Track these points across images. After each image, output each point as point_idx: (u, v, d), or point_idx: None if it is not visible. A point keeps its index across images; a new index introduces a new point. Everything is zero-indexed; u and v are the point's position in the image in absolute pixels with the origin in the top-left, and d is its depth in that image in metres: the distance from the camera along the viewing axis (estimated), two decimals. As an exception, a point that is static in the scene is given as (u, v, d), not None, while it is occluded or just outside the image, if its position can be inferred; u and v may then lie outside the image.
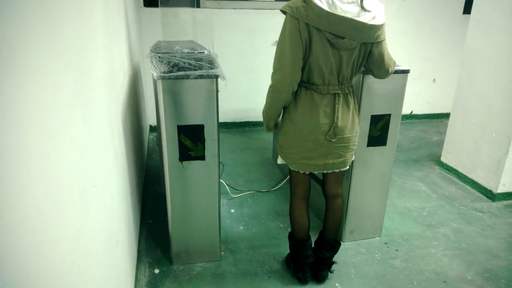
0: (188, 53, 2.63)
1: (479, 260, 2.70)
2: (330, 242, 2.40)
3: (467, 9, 4.96)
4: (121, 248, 1.89)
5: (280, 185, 3.54)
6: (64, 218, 0.99)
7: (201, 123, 2.25)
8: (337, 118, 2.03)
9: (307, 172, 2.23)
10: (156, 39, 3.48)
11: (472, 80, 3.67)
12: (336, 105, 2.02)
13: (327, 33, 1.84)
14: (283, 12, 1.89)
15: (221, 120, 3.62)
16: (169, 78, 2.12)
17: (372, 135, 2.57)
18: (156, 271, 2.50)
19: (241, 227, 2.99)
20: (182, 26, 4.53)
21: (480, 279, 2.52)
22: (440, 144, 4.29)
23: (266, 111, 2.16)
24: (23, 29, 0.79)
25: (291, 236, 2.44)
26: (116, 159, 1.91)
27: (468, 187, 3.73)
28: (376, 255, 2.72)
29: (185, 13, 4.51)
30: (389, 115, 2.56)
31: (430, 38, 5.23)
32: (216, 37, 4.60)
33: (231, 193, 3.43)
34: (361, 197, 2.74)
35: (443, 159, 4.10)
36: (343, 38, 1.85)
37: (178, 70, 2.18)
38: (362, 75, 2.41)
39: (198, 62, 2.37)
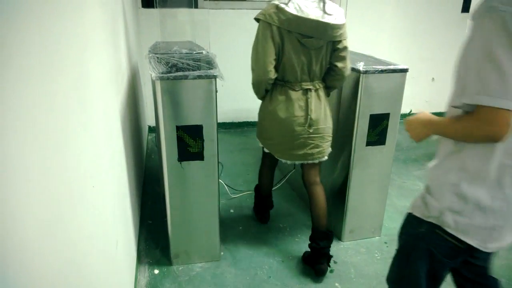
0: (186, 53, 2.63)
1: (479, 259, 2.70)
2: (322, 231, 2.48)
3: (465, 8, 4.97)
4: (121, 248, 1.89)
5: (279, 185, 3.54)
6: (63, 218, 0.99)
7: (200, 124, 2.25)
8: (311, 110, 2.28)
9: (289, 162, 2.48)
10: (155, 40, 3.47)
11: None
12: (309, 99, 2.28)
13: (297, 34, 2.13)
14: (257, 20, 2.20)
15: (219, 120, 3.59)
16: (168, 78, 2.12)
17: (371, 134, 2.57)
18: (156, 271, 2.50)
19: (241, 227, 2.99)
20: (180, 27, 4.53)
21: (480, 278, 2.52)
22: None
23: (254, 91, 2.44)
24: (21, 30, 0.79)
25: (257, 189, 3.04)
26: (115, 159, 1.91)
27: (468, 186, 3.72)
28: (376, 255, 2.72)
29: (183, 13, 4.51)
30: (388, 114, 2.56)
31: (429, 37, 5.23)
32: (214, 38, 4.60)
33: (230, 193, 3.42)
34: (360, 197, 2.74)
35: (442, 158, 4.09)
36: (311, 37, 2.15)
37: (177, 71, 2.18)
38: (360, 75, 2.41)
39: (197, 63, 2.37)
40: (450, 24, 5.19)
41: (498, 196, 1.30)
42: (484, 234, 1.34)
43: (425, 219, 1.45)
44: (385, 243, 2.84)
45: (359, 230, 2.85)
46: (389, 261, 2.62)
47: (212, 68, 2.25)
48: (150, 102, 4.28)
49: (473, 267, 1.57)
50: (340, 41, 2.23)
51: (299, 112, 2.28)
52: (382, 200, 2.82)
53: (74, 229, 1.08)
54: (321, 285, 2.43)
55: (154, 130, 4.59)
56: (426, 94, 5.53)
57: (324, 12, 2.12)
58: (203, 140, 2.28)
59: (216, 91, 2.23)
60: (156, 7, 4.45)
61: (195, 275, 2.48)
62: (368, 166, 2.66)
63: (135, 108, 3.24)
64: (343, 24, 2.20)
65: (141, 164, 3.56)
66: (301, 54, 2.19)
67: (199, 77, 2.16)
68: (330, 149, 2.48)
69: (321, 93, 2.34)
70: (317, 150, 2.38)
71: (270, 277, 2.49)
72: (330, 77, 2.36)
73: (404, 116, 6.16)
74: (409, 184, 3.73)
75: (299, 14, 2.08)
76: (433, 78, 5.46)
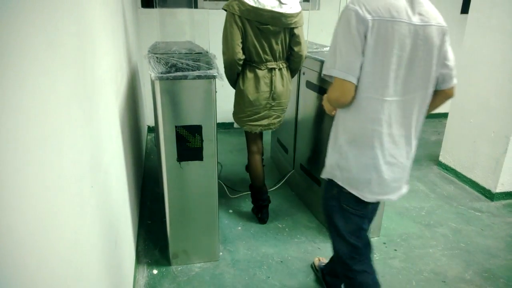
0: (185, 53, 2.64)
1: (478, 260, 2.70)
2: (260, 187, 3.01)
3: (465, 9, 4.97)
4: (119, 248, 1.89)
5: (278, 185, 3.54)
6: (61, 218, 0.99)
7: (199, 124, 2.25)
8: (275, 86, 2.66)
9: (257, 132, 2.84)
10: (154, 40, 3.48)
11: (470, 80, 3.68)
12: (273, 77, 2.65)
13: (255, 22, 2.47)
14: (225, 9, 2.52)
15: (219, 120, 3.59)
16: (167, 78, 2.12)
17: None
18: (155, 271, 2.50)
19: (239, 227, 2.99)
20: (180, 27, 4.53)
21: (479, 279, 2.52)
22: (438, 144, 4.29)
23: (226, 78, 2.70)
24: (20, 29, 0.79)
25: (251, 186, 3.09)
26: (114, 159, 1.91)
27: (467, 187, 3.73)
28: (375, 255, 2.72)
29: (183, 13, 4.51)
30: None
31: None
32: (214, 38, 4.59)
33: (229, 193, 3.42)
34: (359, 197, 2.73)
35: (441, 158, 4.10)
36: (268, 25, 2.47)
37: (176, 71, 2.18)
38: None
39: (196, 63, 2.37)
40: (449, 25, 5.15)
41: (370, 155, 1.63)
42: (363, 186, 1.67)
43: (332, 178, 1.75)
44: (384, 243, 2.84)
45: (358, 231, 2.84)
46: (388, 262, 2.64)
47: (211, 68, 2.25)
48: (150, 102, 4.29)
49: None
50: (296, 28, 2.58)
51: (264, 88, 2.65)
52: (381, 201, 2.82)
53: (71, 229, 1.08)
54: (320, 285, 2.42)
55: (153, 130, 4.59)
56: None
57: (280, 2, 2.45)
58: (202, 140, 2.28)
59: (216, 91, 2.23)
60: (156, 7, 4.45)
61: (194, 275, 2.48)
62: (367, 166, 2.66)
63: (134, 108, 3.23)
64: (298, 13, 2.53)
65: (140, 164, 3.56)
66: (261, 38, 2.54)
67: (199, 77, 2.16)
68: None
69: (284, 72, 2.70)
70: (278, 120, 2.84)
71: (269, 277, 2.49)
72: (290, 60, 2.72)
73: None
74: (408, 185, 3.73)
75: (256, 5, 2.41)
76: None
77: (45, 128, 0.90)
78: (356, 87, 1.56)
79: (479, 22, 3.55)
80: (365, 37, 1.48)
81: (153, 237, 2.82)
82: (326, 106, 1.84)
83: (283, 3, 2.46)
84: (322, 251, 2.72)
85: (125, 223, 2.16)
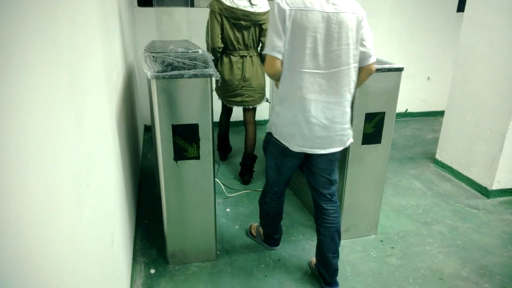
0: (182, 52, 2.63)
1: (474, 257, 2.71)
2: (249, 154, 3.59)
3: (461, 7, 4.98)
4: (116, 248, 1.89)
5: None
6: (58, 217, 0.99)
7: (196, 122, 2.25)
8: (245, 71, 3.29)
9: (233, 107, 3.55)
10: (151, 39, 3.47)
11: (466, 78, 3.69)
12: (244, 63, 3.28)
13: (231, 18, 3.11)
14: (208, 7, 3.16)
15: (216, 119, 3.55)
16: (163, 77, 2.12)
17: (367, 133, 2.58)
18: (152, 271, 2.50)
19: (237, 226, 2.99)
20: (177, 26, 4.52)
21: (476, 276, 2.53)
22: (435, 141, 4.30)
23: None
24: (17, 30, 0.78)
25: (219, 135, 4.05)
26: (110, 159, 1.90)
27: (463, 184, 3.74)
28: (372, 253, 2.73)
29: (180, 12, 4.50)
30: (384, 113, 2.56)
31: (425, 36, 5.24)
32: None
33: (227, 192, 3.42)
34: (356, 195, 2.74)
35: (438, 156, 4.11)
36: (240, 21, 3.10)
37: (172, 70, 2.18)
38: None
39: (192, 62, 2.37)
40: (446, 23, 5.21)
41: (293, 114, 2.06)
42: (289, 138, 2.13)
43: (270, 131, 2.25)
44: (381, 241, 2.85)
45: (355, 229, 2.85)
46: (385, 260, 2.65)
47: (208, 67, 2.25)
48: (146, 101, 4.28)
49: (308, 167, 2.31)
50: (263, 24, 3.20)
51: (237, 71, 3.28)
52: (378, 199, 2.83)
53: (68, 228, 1.08)
54: (317, 284, 2.43)
55: (150, 129, 4.58)
56: (422, 93, 5.55)
57: (250, 3, 3.06)
58: (199, 139, 2.28)
59: (212, 90, 2.23)
60: (152, 6, 4.44)
61: (191, 274, 2.48)
62: (364, 164, 2.67)
63: (131, 107, 3.23)
64: (265, 12, 3.14)
65: (137, 163, 3.55)
66: (236, 31, 3.18)
67: (195, 76, 2.16)
68: (265, 100, 3.50)
69: (255, 59, 3.33)
70: (250, 99, 3.39)
71: (266, 275, 2.50)
72: (261, 49, 3.36)
73: (399, 115, 6.19)
74: (405, 183, 3.74)
75: (231, 5, 3.04)
76: (428, 77, 5.47)
77: (41, 127, 0.90)
78: (283, 62, 2.01)
79: (475, 21, 3.56)
80: (285, 22, 1.93)
81: (150, 237, 2.82)
82: (275, 82, 2.21)
83: (253, 4, 3.07)
84: (319, 249, 2.73)
85: (122, 222, 2.16)
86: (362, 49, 2.04)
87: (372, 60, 2.08)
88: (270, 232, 2.68)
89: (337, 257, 2.36)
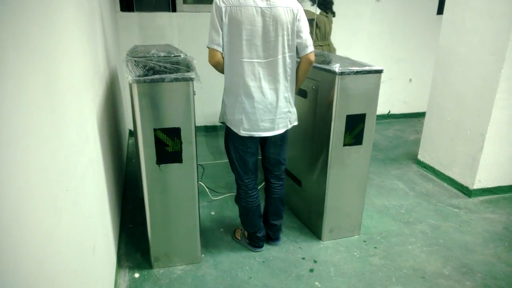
0: (164, 56, 2.62)
1: (456, 255, 2.75)
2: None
3: (441, 10, 5.06)
4: (99, 253, 1.88)
5: (260, 186, 3.55)
6: (32, 221, 0.98)
7: (178, 126, 2.25)
8: None
9: None
10: (133, 43, 3.46)
11: (446, 79, 3.75)
12: None
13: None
14: None
15: (201, 123, 3.58)
16: (144, 81, 2.12)
17: (348, 134, 2.60)
18: (136, 275, 2.49)
19: (222, 229, 2.99)
20: (159, 30, 4.52)
21: (457, 274, 2.57)
22: (417, 142, 4.36)
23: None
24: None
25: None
26: (92, 163, 1.90)
27: (445, 184, 3.80)
28: (355, 253, 2.75)
29: (162, 17, 4.50)
30: (364, 114, 2.59)
31: (405, 38, 5.32)
32: (193, 41, 4.59)
33: (211, 195, 3.43)
34: (339, 196, 2.77)
35: (420, 157, 4.17)
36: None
37: (154, 74, 2.18)
38: (336, 76, 2.45)
39: (174, 66, 2.37)
40: (426, 26, 5.29)
41: (238, 100, 2.29)
42: (237, 124, 2.34)
43: (224, 121, 2.44)
44: (364, 241, 2.88)
45: (338, 230, 2.88)
46: (368, 260, 2.68)
47: (189, 71, 2.26)
48: (130, 106, 4.26)
49: (264, 154, 2.60)
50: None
51: None
52: (361, 199, 2.86)
53: (44, 233, 1.07)
54: (301, 285, 2.45)
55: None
56: (404, 94, 5.62)
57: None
58: (181, 143, 2.28)
59: (194, 94, 2.24)
60: (135, 11, 4.43)
61: (175, 277, 2.48)
62: (346, 166, 2.70)
63: (114, 112, 3.22)
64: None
65: (121, 168, 3.54)
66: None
67: (176, 79, 2.16)
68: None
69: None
70: None
71: (251, 277, 2.50)
72: None
73: (381, 116, 6.26)
74: (388, 183, 3.79)
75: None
76: (410, 79, 5.55)
77: (10, 128, 0.90)
78: (223, 54, 2.25)
79: (453, 23, 3.63)
80: (221, 19, 2.16)
81: (134, 241, 2.81)
82: None
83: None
84: (304, 251, 2.74)
85: (104, 227, 2.15)
86: (298, 40, 2.29)
87: (309, 49, 2.31)
88: (252, 231, 2.71)
89: (281, 218, 2.78)
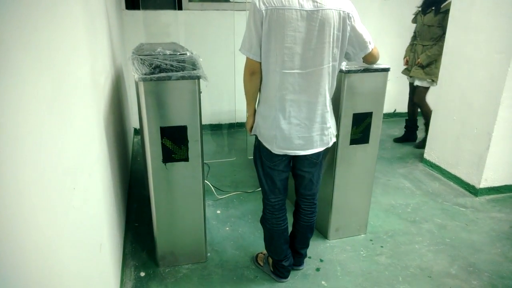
0: (170, 54, 2.63)
1: (463, 255, 2.74)
2: None
3: (447, 8, 5.02)
4: (105, 251, 1.88)
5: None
6: (40, 219, 0.98)
7: (184, 124, 2.24)
8: None
9: None
10: (139, 42, 3.46)
11: (453, 77, 3.73)
12: None
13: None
14: None
15: (206, 122, 3.60)
16: (151, 79, 2.11)
17: (355, 133, 2.59)
18: (142, 274, 2.49)
19: (227, 228, 2.99)
20: (165, 28, 4.52)
21: (464, 273, 2.56)
22: (423, 141, 4.34)
23: None
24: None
25: None
26: (98, 162, 1.90)
27: (451, 183, 3.78)
28: (362, 252, 2.74)
29: (167, 15, 4.50)
30: (371, 113, 2.58)
31: (412, 37, 5.28)
32: (199, 39, 4.60)
33: (217, 194, 3.42)
34: (345, 195, 2.76)
35: (426, 156, 4.15)
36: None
37: (160, 72, 2.17)
38: (343, 74, 2.43)
39: (181, 64, 2.37)
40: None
41: (273, 115, 2.04)
42: (271, 141, 2.09)
43: (256, 134, 2.20)
44: (371, 240, 2.87)
45: (344, 228, 2.87)
46: (375, 259, 2.67)
47: (195, 69, 2.25)
48: (135, 104, 4.27)
49: (295, 172, 2.31)
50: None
51: None
52: (367, 198, 2.84)
53: (51, 232, 1.07)
54: (308, 284, 2.44)
55: (139, 132, 4.57)
56: (410, 93, 5.58)
57: None
58: (187, 141, 2.28)
59: (200, 92, 2.23)
60: (140, 9, 4.43)
61: (181, 276, 2.47)
62: (352, 164, 2.68)
63: (119, 110, 3.22)
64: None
65: (127, 166, 3.54)
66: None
67: (183, 77, 2.16)
68: None
69: None
70: None
71: (257, 276, 2.50)
72: None
73: (387, 115, 6.22)
74: (394, 182, 3.77)
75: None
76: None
77: (20, 128, 0.90)
78: (261, 64, 2.00)
79: (459, 21, 3.60)
80: (261, 23, 1.89)
81: (140, 240, 2.81)
82: (249, 121, 2.25)
83: None
84: (310, 250, 2.73)
85: (111, 226, 2.15)
86: (358, 40, 2.05)
87: (371, 46, 2.09)
88: (277, 258, 2.42)
89: (306, 247, 2.52)
